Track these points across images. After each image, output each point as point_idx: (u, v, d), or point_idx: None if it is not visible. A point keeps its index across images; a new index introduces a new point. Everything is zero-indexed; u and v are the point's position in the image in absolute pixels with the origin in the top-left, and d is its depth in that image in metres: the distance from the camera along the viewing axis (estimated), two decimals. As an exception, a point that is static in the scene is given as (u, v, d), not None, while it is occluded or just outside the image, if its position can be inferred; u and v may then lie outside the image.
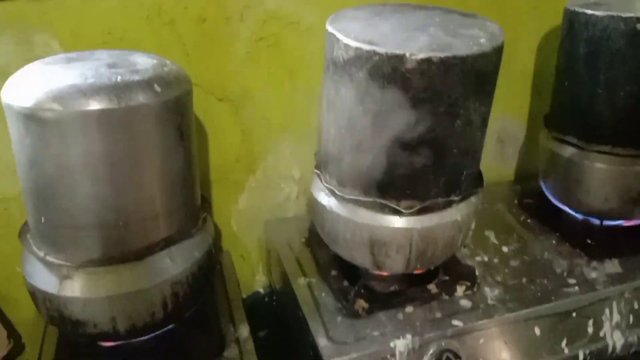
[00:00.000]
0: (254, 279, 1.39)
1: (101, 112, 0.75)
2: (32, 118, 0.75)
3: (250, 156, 1.25)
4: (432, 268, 1.06)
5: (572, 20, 1.13)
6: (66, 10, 1.00)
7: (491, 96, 0.89)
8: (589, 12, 1.08)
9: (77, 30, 1.02)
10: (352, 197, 0.93)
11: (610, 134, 1.12)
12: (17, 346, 1.13)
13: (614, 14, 1.04)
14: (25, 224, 0.93)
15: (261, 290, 1.39)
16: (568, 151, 1.20)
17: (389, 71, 0.80)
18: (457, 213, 0.94)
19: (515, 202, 1.41)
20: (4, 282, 1.17)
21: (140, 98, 0.77)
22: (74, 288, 0.84)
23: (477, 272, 1.10)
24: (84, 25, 1.02)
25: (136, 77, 0.79)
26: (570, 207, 1.27)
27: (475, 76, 0.82)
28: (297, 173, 1.31)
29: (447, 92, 0.81)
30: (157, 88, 0.79)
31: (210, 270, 1.00)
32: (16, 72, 0.83)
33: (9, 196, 1.11)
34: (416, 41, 0.81)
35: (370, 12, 0.96)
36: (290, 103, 1.23)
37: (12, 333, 1.15)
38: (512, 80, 1.38)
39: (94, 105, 0.74)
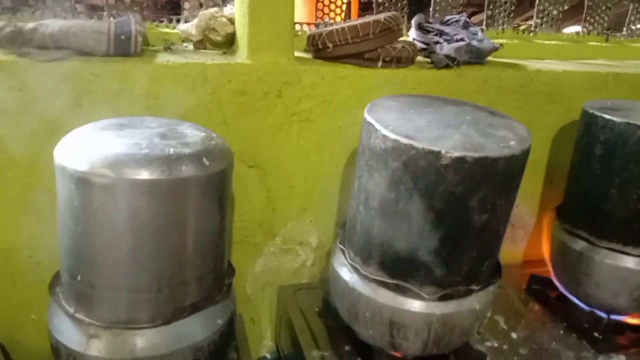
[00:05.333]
0: (261, 343, 1.40)
1: (152, 182, 0.78)
2: (85, 182, 0.79)
3: (272, 221, 1.29)
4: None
5: (590, 122, 1.20)
6: (117, 73, 1.06)
7: (516, 193, 0.94)
8: (607, 116, 1.15)
9: (125, 93, 1.07)
10: (376, 277, 0.96)
11: (621, 232, 1.17)
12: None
13: (631, 121, 1.11)
14: (55, 277, 0.95)
15: (268, 355, 1.40)
16: (579, 244, 1.24)
17: (424, 164, 0.85)
18: (476, 301, 0.97)
19: (524, 287, 1.44)
20: (17, 327, 1.18)
21: (190, 171, 0.81)
22: (100, 348, 0.85)
23: (487, 359, 1.12)
24: (132, 88, 1.08)
25: (187, 150, 0.83)
26: (578, 298, 1.30)
27: (504, 176, 0.87)
28: (315, 241, 1.35)
29: (476, 189, 0.86)
30: (206, 162, 0.84)
31: (230, 338, 1.01)
32: (69, 132, 0.88)
33: (35, 245, 1.13)
34: (450, 139, 0.86)
35: (404, 103, 1.02)
36: (315, 174, 1.28)
37: (19, 381, 1.14)
38: (526, 169, 1.44)
39: (146, 175, 0.78)
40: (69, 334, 0.87)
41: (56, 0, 1.25)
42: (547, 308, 1.35)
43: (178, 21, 1.32)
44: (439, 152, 0.83)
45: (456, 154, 0.83)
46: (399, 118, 0.93)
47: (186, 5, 1.33)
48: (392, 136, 0.87)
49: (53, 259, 1.14)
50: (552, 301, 1.36)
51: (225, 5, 1.38)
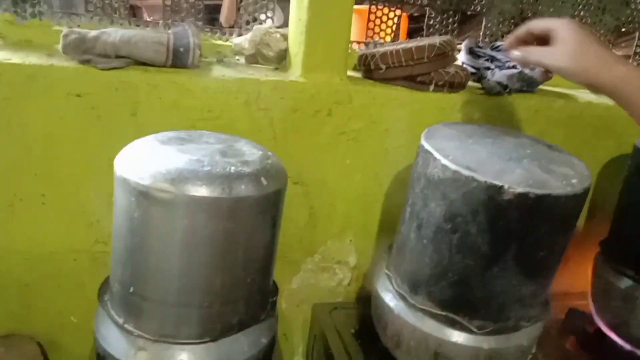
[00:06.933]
0: (292, 359, 1.39)
1: (212, 200, 0.78)
2: (146, 195, 0.79)
3: (312, 239, 1.29)
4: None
5: (642, 160, 1.18)
6: (173, 84, 1.07)
7: (573, 231, 0.92)
8: (661, 156, 1.13)
9: (180, 104, 1.08)
10: (424, 307, 0.95)
11: (671, 274, 1.14)
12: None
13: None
14: (104, 284, 0.96)
15: (298, 371, 1.39)
16: (624, 282, 1.22)
17: (484, 198, 0.83)
18: (524, 337, 0.95)
19: (561, 319, 1.41)
20: (57, 329, 1.18)
21: (249, 190, 0.81)
22: (147, 360, 0.85)
23: (526, 394, 1.10)
24: (187, 100, 1.08)
25: (247, 169, 0.83)
26: (619, 336, 1.27)
27: (564, 214, 0.86)
28: (353, 260, 1.34)
29: (536, 226, 0.84)
30: (264, 181, 0.84)
31: (270, 356, 1.00)
32: (130, 143, 0.88)
33: (79, 248, 1.14)
34: (512, 173, 0.85)
35: (461, 131, 1.01)
36: (359, 194, 1.27)
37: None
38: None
39: (207, 192, 0.78)
40: (116, 344, 0.87)
41: (112, 7, 1.27)
42: (584, 343, 1.33)
43: (231, 34, 1.33)
44: (501, 187, 0.82)
45: (519, 189, 0.81)
46: (458, 148, 0.92)
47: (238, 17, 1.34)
48: (453, 167, 0.86)
49: (96, 264, 1.15)
50: (590, 337, 1.33)
51: (265, 22, 1.36)
